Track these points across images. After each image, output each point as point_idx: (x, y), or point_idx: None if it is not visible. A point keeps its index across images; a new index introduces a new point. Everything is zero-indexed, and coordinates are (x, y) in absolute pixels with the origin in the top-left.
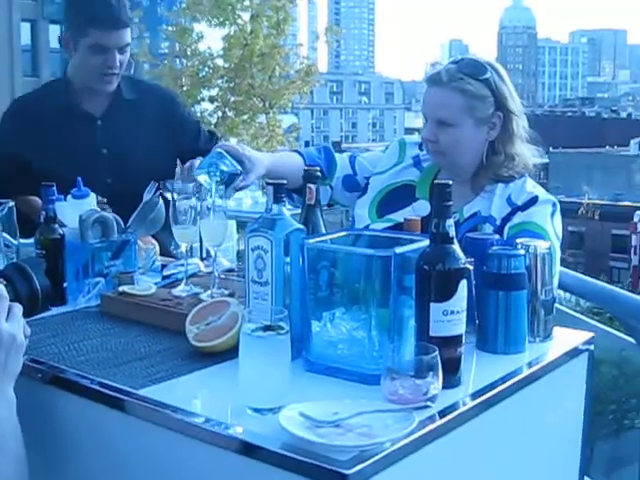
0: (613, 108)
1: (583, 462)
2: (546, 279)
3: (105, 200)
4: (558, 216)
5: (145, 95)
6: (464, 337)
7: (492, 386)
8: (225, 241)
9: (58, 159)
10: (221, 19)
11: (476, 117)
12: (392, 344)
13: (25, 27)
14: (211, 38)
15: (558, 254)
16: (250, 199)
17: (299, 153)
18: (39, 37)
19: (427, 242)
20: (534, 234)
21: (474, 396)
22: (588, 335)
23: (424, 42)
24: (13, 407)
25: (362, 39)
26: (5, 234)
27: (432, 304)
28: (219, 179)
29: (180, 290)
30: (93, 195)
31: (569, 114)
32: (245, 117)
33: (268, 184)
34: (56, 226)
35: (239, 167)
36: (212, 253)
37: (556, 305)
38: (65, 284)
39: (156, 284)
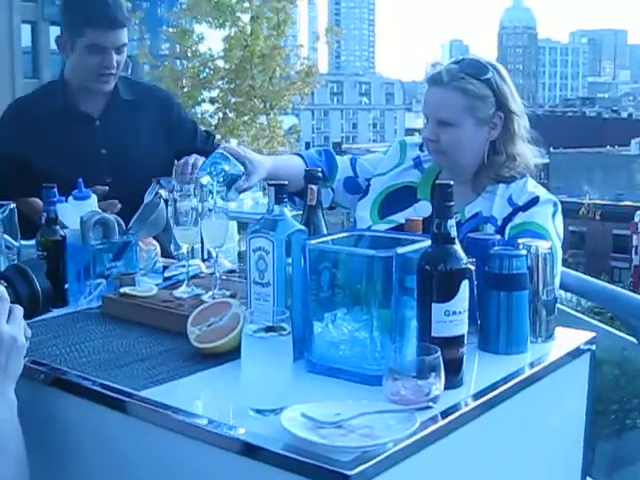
0: (614, 108)
1: (585, 462)
2: (548, 279)
3: (116, 202)
4: (559, 216)
5: (142, 95)
6: (466, 337)
7: (494, 386)
8: (226, 242)
9: (57, 160)
10: (221, 21)
11: (477, 117)
12: (394, 345)
13: (26, 29)
14: (212, 39)
15: (559, 254)
16: (251, 200)
17: (300, 156)
18: (40, 39)
19: (429, 242)
20: (535, 234)
21: (476, 396)
22: (590, 335)
23: (424, 42)
24: (14, 409)
25: (362, 40)
26: (6, 236)
27: (434, 304)
28: (221, 179)
29: (181, 291)
30: (94, 196)
31: (570, 114)
32: (246, 118)
33: (270, 185)
34: (57, 227)
35: (242, 168)
36: (213, 254)
37: (557, 305)
38: (66, 285)
39: (157, 285)
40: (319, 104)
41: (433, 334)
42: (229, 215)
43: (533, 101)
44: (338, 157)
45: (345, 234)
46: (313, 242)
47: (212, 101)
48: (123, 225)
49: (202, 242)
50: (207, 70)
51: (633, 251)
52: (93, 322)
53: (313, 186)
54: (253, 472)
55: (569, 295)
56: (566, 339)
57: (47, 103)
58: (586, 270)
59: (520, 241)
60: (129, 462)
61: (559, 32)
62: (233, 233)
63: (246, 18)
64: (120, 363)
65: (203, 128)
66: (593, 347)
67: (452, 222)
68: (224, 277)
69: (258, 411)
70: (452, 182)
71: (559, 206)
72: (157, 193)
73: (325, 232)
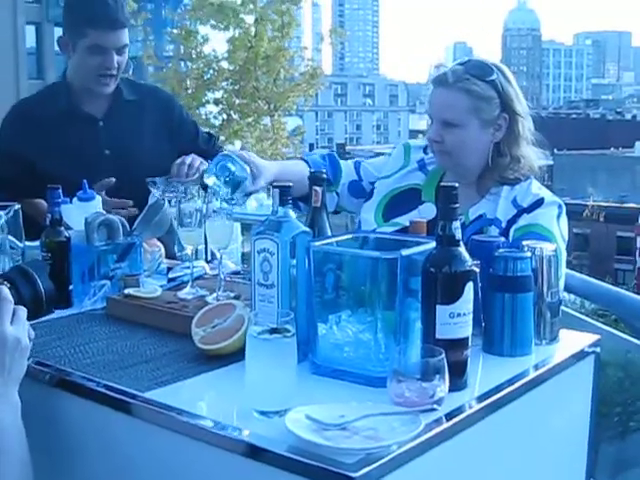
0: (618, 110)
1: (589, 465)
2: (552, 281)
3: (131, 203)
4: (564, 218)
5: (145, 96)
6: (470, 340)
7: (498, 389)
8: (230, 243)
9: (61, 161)
10: (225, 23)
11: (482, 118)
12: (398, 347)
13: (30, 30)
14: (216, 41)
15: (564, 256)
16: (255, 201)
17: (305, 161)
18: (44, 40)
19: (433, 244)
20: (540, 236)
21: (480, 399)
22: (594, 337)
23: (428, 44)
24: (18, 411)
25: (366, 41)
26: (11, 237)
27: (438, 306)
28: (227, 180)
29: (186, 293)
30: (99, 198)
31: (573, 116)
32: (250, 120)
33: (274, 187)
34: (62, 229)
35: (248, 169)
36: (217, 255)
37: (561, 307)
38: (71, 287)
39: (162, 287)
40: (323, 105)
41: (437, 336)
42: (233, 216)
43: (537, 103)
44: (342, 161)
45: (349, 236)
46: (317, 244)
47: (216, 102)
48: (127, 226)
49: (206, 243)
50: (211, 71)
51: (637, 253)
52: (97, 323)
53: (318, 188)
54: (257, 474)
55: (573, 297)
56: (571, 341)
57: (51, 104)
58: (590, 272)
59: (525, 243)
60: (133, 463)
61: (563, 34)
62: (236, 234)
63: (250, 20)
64: (124, 364)
65: (206, 129)
66: (598, 349)
67: (457, 224)
68: (228, 278)
69: (262, 413)
70: (457, 184)
71: (564, 208)
72: (161, 194)
73: (329, 234)
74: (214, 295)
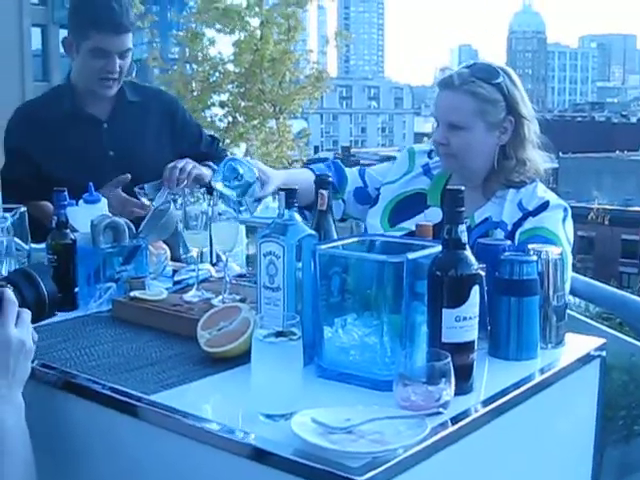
0: (623, 113)
1: (595, 469)
2: (558, 285)
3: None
4: (569, 221)
5: (148, 98)
6: (476, 343)
7: (504, 392)
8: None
9: (66, 162)
10: (230, 27)
11: (487, 121)
12: (404, 350)
13: (36, 32)
14: (222, 43)
15: (570, 259)
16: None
17: (310, 169)
18: (49, 42)
19: (439, 248)
20: (546, 239)
21: (486, 403)
22: (600, 341)
23: (433, 47)
24: (22, 412)
25: (371, 44)
26: (17, 239)
27: (444, 310)
28: (236, 183)
29: (191, 295)
30: (104, 200)
31: (579, 119)
32: (255, 122)
33: (280, 190)
34: (67, 231)
35: (256, 172)
36: (223, 258)
37: (567, 311)
38: (76, 289)
39: (167, 289)
40: (328, 108)
41: (443, 340)
42: (238, 219)
43: (542, 106)
44: (347, 169)
45: (355, 239)
46: (323, 247)
47: (222, 105)
48: (133, 229)
49: (211, 246)
50: (217, 74)
51: None
52: (103, 326)
53: (324, 191)
54: (263, 477)
55: (578, 300)
56: (576, 345)
57: (55, 106)
58: (594, 275)
59: (530, 247)
60: (138, 466)
61: (568, 36)
62: (242, 237)
63: (255, 22)
64: (130, 367)
65: (212, 132)
66: (603, 353)
67: (463, 227)
68: (234, 281)
69: (268, 416)
70: (463, 187)
71: (569, 211)
72: (167, 197)
73: (335, 237)
74: (220, 298)
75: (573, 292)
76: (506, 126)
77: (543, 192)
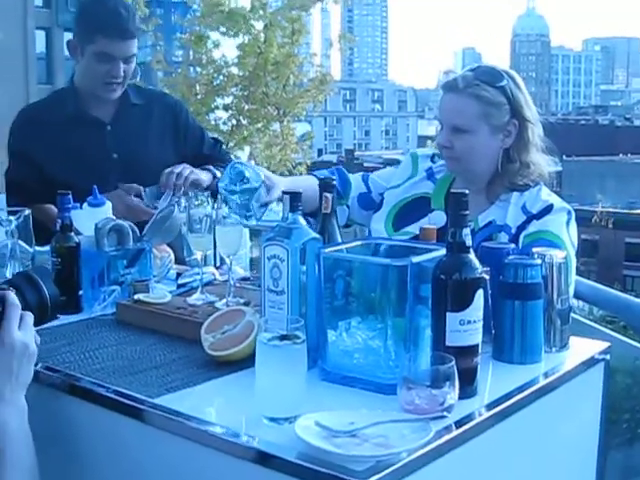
0: (627, 116)
1: (599, 472)
2: (562, 288)
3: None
4: (573, 224)
5: (151, 101)
6: (480, 347)
7: (508, 396)
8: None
9: (69, 165)
10: (235, 30)
11: (491, 124)
12: (408, 354)
13: (40, 35)
14: (226, 46)
15: (574, 263)
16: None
17: (314, 175)
18: (54, 45)
19: (444, 251)
20: (550, 243)
21: (490, 406)
22: (604, 345)
23: (437, 50)
24: (25, 415)
25: (375, 47)
26: (21, 242)
27: (448, 314)
28: (242, 187)
29: (195, 298)
30: (109, 203)
31: (582, 122)
32: (259, 125)
33: (284, 193)
34: (72, 234)
35: (262, 175)
36: (227, 261)
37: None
38: (80, 292)
39: (171, 292)
40: (332, 111)
41: (447, 343)
42: (244, 224)
43: (546, 109)
44: (350, 175)
45: (359, 242)
46: (328, 250)
47: (226, 108)
48: (137, 232)
49: (215, 249)
50: (221, 77)
51: None
52: (107, 329)
53: (328, 194)
54: None
55: (581, 304)
56: (580, 349)
57: (58, 109)
58: (598, 279)
59: (535, 250)
60: (142, 469)
61: (572, 40)
62: (245, 240)
63: (259, 26)
64: (134, 370)
65: (216, 135)
66: (608, 357)
67: (467, 231)
68: (238, 285)
69: (272, 419)
70: (467, 191)
71: (573, 214)
72: (171, 200)
73: (340, 240)
74: (224, 301)
75: (577, 295)
76: (510, 129)
77: (547, 195)
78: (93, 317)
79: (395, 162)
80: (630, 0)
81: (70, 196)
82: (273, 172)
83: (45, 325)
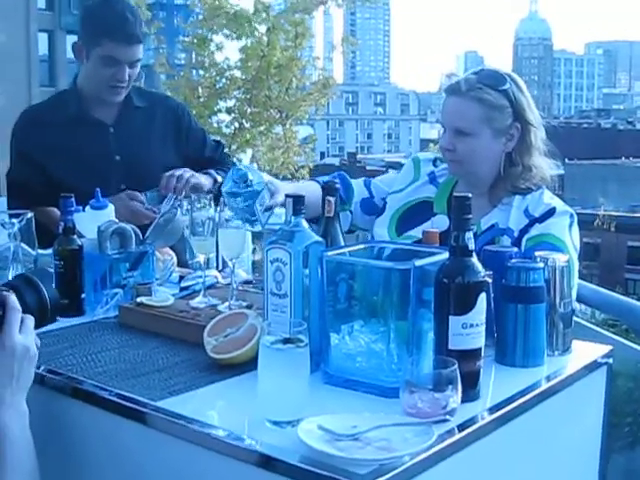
0: (629, 120)
1: (601, 476)
2: (565, 292)
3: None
4: (576, 227)
5: (154, 103)
6: (483, 350)
7: (511, 400)
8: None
9: (72, 166)
10: (239, 32)
11: (494, 127)
12: (411, 357)
13: (42, 37)
14: (228, 49)
15: (576, 266)
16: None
17: (316, 181)
18: (56, 47)
19: (446, 255)
20: (552, 246)
21: (493, 410)
22: (607, 348)
23: (439, 53)
24: (26, 419)
25: (378, 50)
26: (24, 245)
27: (451, 317)
28: (245, 189)
29: (198, 301)
30: (111, 206)
31: (585, 125)
32: (262, 128)
33: (287, 196)
34: (74, 237)
35: (265, 178)
36: (230, 264)
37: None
38: (83, 295)
39: (174, 295)
40: (334, 114)
41: (450, 347)
42: (248, 230)
43: (548, 112)
44: (353, 180)
45: (362, 246)
46: (330, 254)
47: (228, 111)
48: (140, 235)
49: (217, 252)
50: (224, 80)
51: None
52: (110, 332)
53: (331, 198)
54: None
55: (583, 307)
56: (583, 352)
57: (61, 111)
58: (600, 282)
59: (537, 254)
60: (145, 472)
61: (574, 43)
62: (248, 243)
63: (262, 29)
64: (136, 373)
65: (218, 138)
66: (610, 360)
67: (470, 234)
68: (240, 288)
69: (275, 423)
70: (470, 195)
71: (575, 217)
72: (173, 203)
73: (342, 244)
74: (226, 304)
75: (580, 299)
76: (512, 133)
77: (549, 199)
78: (95, 320)
79: (397, 165)
80: (633, 4)
81: (73, 199)
82: (275, 175)
83: (47, 328)
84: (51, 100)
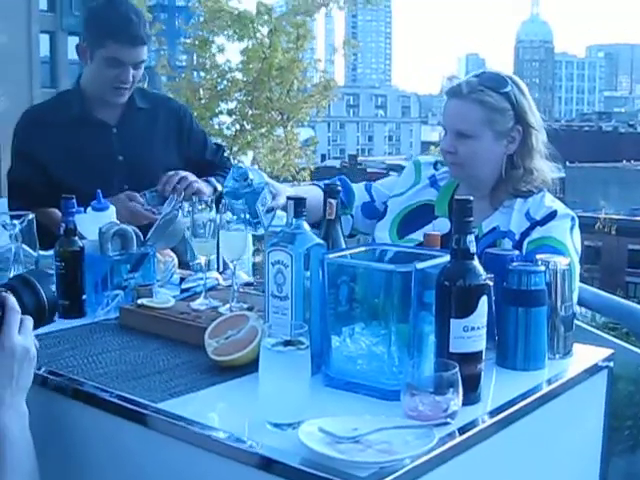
0: (630, 123)
1: (602, 479)
2: (566, 295)
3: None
4: (577, 231)
5: (157, 104)
6: (484, 353)
7: (512, 403)
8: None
9: (75, 166)
10: (241, 33)
11: (495, 130)
12: (412, 360)
13: (44, 39)
14: (230, 51)
15: (577, 269)
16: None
17: (317, 185)
18: (58, 49)
19: (448, 258)
20: (554, 249)
21: (494, 413)
22: (608, 352)
23: (441, 56)
24: (25, 420)
25: (379, 52)
26: (25, 246)
27: (452, 320)
28: (246, 189)
29: (199, 303)
30: (113, 207)
31: (586, 128)
32: (263, 130)
33: (289, 199)
34: (76, 238)
35: (265, 178)
36: (231, 266)
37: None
38: (84, 296)
39: (175, 297)
40: (335, 116)
41: (451, 350)
42: (251, 232)
43: (549, 115)
44: (353, 184)
45: (363, 248)
46: (332, 256)
47: (229, 113)
48: (141, 236)
49: (218, 254)
50: (225, 82)
51: None
52: (110, 333)
53: (332, 200)
54: None
55: (584, 310)
56: (584, 355)
57: (63, 111)
58: (601, 285)
59: (539, 257)
60: (145, 474)
61: (576, 46)
62: (248, 244)
63: (265, 31)
64: (137, 375)
65: (219, 140)
66: (611, 364)
67: (471, 237)
68: (241, 290)
69: (276, 425)
70: (471, 197)
71: (576, 220)
72: (175, 205)
73: (344, 246)
74: (227, 306)
75: (581, 302)
76: (514, 135)
77: (551, 202)
78: (96, 321)
79: (398, 167)
80: (635, 6)
81: (74, 200)
82: (276, 177)
83: (48, 329)
84: (53, 100)
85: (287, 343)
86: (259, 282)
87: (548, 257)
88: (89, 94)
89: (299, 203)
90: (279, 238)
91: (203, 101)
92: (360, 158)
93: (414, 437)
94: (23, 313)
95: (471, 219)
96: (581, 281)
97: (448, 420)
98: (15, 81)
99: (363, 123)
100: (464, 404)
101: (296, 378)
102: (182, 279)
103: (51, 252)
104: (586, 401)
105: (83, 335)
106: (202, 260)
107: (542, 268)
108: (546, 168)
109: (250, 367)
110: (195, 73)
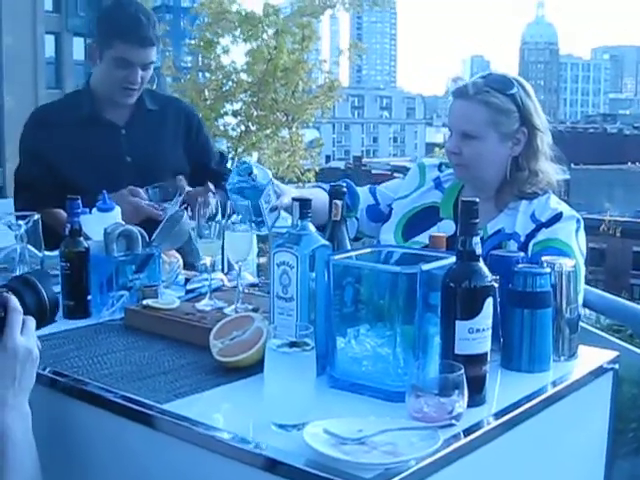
0: (635, 125)
1: None
2: (571, 297)
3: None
4: (582, 232)
5: (166, 106)
6: (489, 355)
7: (516, 405)
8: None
9: (83, 166)
10: (249, 34)
11: (501, 132)
12: (417, 361)
13: (49, 39)
14: (235, 52)
15: (583, 271)
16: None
17: (322, 188)
18: (63, 50)
19: (453, 259)
20: (559, 251)
21: (498, 415)
22: (613, 354)
23: (446, 57)
24: (28, 421)
25: (384, 54)
26: (30, 246)
27: (457, 322)
28: (250, 184)
29: (204, 304)
30: (118, 208)
31: (591, 130)
32: (268, 131)
33: (294, 200)
34: (81, 239)
35: (270, 175)
36: (236, 267)
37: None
38: (89, 297)
39: (180, 298)
40: (340, 117)
41: (456, 351)
42: (255, 232)
43: (554, 117)
44: (358, 187)
45: (369, 250)
46: (337, 257)
47: (235, 114)
48: (146, 237)
49: (223, 254)
50: (230, 83)
51: None
52: (115, 334)
53: (338, 201)
54: None
55: (588, 312)
56: (589, 358)
57: (72, 111)
58: (606, 287)
59: (544, 259)
60: (150, 475)
61: (581, 48)
62: (253, 245)
63: (271, 31)
64: (142, 375)
65: (224, 141)
66: (616, 366)
67: (477, 239)
68: (246, 291)
69: (280, 426)
70: (477, 199)
71: (582, 222)
72: (180, 205)
73: (349, 247)
74: (232, 307)
75: (586, 304)
76: (519, 137)
77: (556, 203)
78: (101, 322)
79: (403, 169)
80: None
81: (79, 201)
82: (281, 179)
83: (53, 330)
84: (63, 100)
85: (292, 344)
86: (264, 283)
87: (553, 259)
88: (99, 95)
89: (304, 204)
90: (284, 239)
91: (208, 102)
92: (365, 159)
93: (419, 439)
94: (25, 314)
95: (477, 221)
96: (586, 283)
97: (453, 422)
98: (20, 82)
99: (368, 124)
100: (469, 406)
101: (301, 379)
102: (187, 280)
103: (56, 253)
104: (591, 403)
105: (88, 336)
106: (207, 261)
107: (547, 270)
108: (551, 170)
109: (255, 368)
110: (200, 74)
